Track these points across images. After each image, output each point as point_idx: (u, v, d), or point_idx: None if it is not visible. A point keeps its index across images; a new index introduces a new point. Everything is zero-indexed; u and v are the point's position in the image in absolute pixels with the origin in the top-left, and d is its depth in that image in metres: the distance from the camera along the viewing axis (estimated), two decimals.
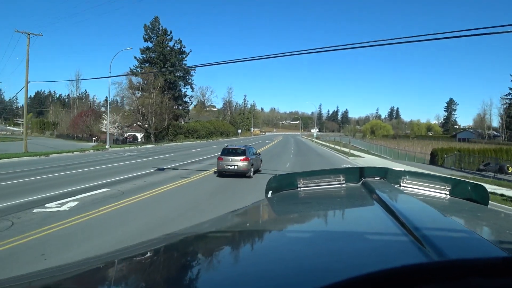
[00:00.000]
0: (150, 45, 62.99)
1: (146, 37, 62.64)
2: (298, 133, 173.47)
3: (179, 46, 65.65)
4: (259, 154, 20.07)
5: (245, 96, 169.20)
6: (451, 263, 0.62)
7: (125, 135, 59.25)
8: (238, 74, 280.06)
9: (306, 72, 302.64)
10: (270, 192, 1.96)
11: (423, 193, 1.72)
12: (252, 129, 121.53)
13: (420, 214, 1.13)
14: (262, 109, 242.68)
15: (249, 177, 16.44)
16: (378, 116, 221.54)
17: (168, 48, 63.42)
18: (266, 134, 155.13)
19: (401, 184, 1.81)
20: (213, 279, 0.79)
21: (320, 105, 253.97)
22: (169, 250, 1.13)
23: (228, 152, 16.84)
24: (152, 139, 55.04)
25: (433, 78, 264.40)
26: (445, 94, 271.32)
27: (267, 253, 0.94)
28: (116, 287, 0.83)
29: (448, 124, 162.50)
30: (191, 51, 68.02)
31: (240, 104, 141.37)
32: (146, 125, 55.37)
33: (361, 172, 1.94)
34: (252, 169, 16.78)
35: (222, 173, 16.59)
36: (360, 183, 1.82)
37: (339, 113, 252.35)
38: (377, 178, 1.86)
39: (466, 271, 0.56)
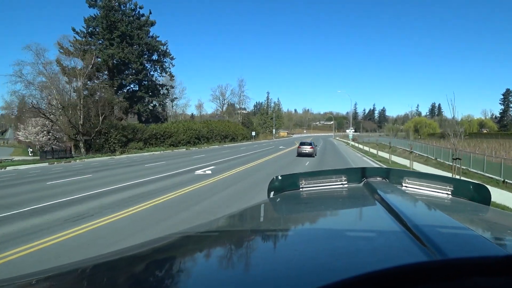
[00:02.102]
0: (99, 13, 39.44)
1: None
2: (331, 134, 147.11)
3: (134, 8, 41.05)
4: (316, 145, 33.54)
5: (268, 93, 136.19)
6: (453, 262, 0.59)
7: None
8: (266, 74, 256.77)
9: (340, 70, 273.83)
10: (272, 193, 1.89)
11: (425, 193, 1.66)
12: (274, 131, 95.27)
13: (422, 213, 1.12)
14: (295, 110, 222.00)
15: (313, 156, 28.23)
16: (418, 114, 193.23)
17: (116, 12, 39.16)
18: (294, 136, 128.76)
19: (403, 184, 1.75)
20: (214, 279, 0.75)
21: (355, 104, 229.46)
22: (170, 250, 1.09)
23: (303, 144, 29.69)
24: (82, 149, 31.76)
25: (479, 70, 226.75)
26: (493, 86, 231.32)
27: (268, 253, 0.91)
28: (116, 286, 0.79)
29: (504, 119, 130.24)
30: (150, 13, 42.72)
31: (263, 103, 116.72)
32: (72, 128, 31.98)
33: (363, 173, 1.88)
34: (314, 152, 29.04)
35: (300, 154, 28.65)
36: (362, 183, 1.76)
37: (376, 112, 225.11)
38: (379, 178, 1.81)
39: (468, 270, 0.53)
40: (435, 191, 1.67)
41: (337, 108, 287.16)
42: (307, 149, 28.71)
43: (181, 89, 79.99)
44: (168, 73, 47.15)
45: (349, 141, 63.82)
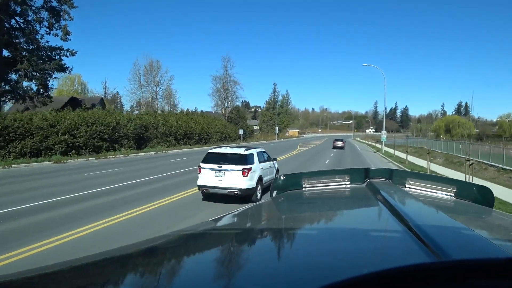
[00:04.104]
0: None
1: None
2: (349, 134, 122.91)
3: None
4: (345, 141, 41.85)
5: (274, 85, 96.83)
6: (455, 263, 0.56)
7: None
8: (281, 70, 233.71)
9: (359, 67, 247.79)
10: (275, 192, 1.82)
11: (428, 194, 1.60)
12: (278, 129, 71.72)
13: (425, 215, 1.09)
14: (313, 109, 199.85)
15: (343, 149, 36.09)
16: (443, 113, 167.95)
17: None
18: (305, 136, 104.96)
19: (406, 186, 1.68)
20: (217, 277, 0.73)
21: (376, 102, 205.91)
22: (175, 248, 1.05)
23: (336, 140, 38.82)
24: None
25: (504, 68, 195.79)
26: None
27: (271, 252, 0.88)
28: (117, 284, 0.76)
29: None
30: None
31: (269, 97, 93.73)
32: None
33: (366, 173, 1.80)
34: (344, 146, 37.79)
35: (335, 147, 36.75)
36: (365, 184, 1.69)
37: (398, 111, 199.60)
38: (382, 179, 1.74)
39: (470, 272, 0.51)
40: (439, 193, 1.60)
41: (356, 107, 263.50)
42: (339, 144, 37.78)
43: (168, 78, 58.56)
44: (62, 28, 25.26)
45: (378, 145, 41.15)
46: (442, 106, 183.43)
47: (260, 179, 9.21)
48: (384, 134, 31.48)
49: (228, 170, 8.56)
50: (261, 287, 0.62)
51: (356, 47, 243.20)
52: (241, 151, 9.08)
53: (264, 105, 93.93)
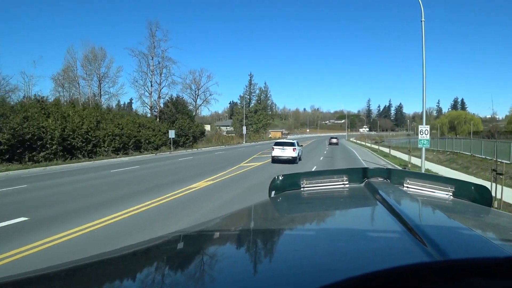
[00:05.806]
0: None
1: None
2: (343, 134, 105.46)
3: None
4: (338, 138, 56.96)
5: (250, 76, 76.62)
6: (454, 263, 0.55)
7: None
8: (272, 70, 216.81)
9: (351, 66, 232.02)
10: (273, 192, 1.78)
11: (426, 193, 1.58)
12: (245, 129, 53.78)
13: (423, 214, 1.08)
14: (304, 109, 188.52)
15: (337, 145, 48.07)
16: (439, 110, 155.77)
17: None
18: (290, 137, 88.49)
19: (405, 185, 1.66)
20: (215, 278, 0.71)
21: (369, 100, 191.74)
22: (172, 249, 1.02)
23: (332, 138, 51.21)
24: None
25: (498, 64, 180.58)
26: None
27: (269, 252, 0.87)
28: (115, 285, 0.75)
29: None
30: None
31: (244, 90, 75.91)
32: None
33: (364, 173, 1.80)
34: (338, 142, 50.60)
35: (330, 144, 47.81)
36: (363, 183, 1.68)
37: (392, 109, 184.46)
38: (380, 178, 1.72)
39: (469, 271, 0.50)
40: (437, 192, 1.57)
41: (348, 107, 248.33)
42: (334, 141, 49.04)
43: (115, 70, 42.59)
44: None
45: (396, 152, 23.91)
46: (438, 102, 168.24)
47: (298, 153, 19.59)
48: (425, 134, 13.35)
49: (286, 149, 18.99)
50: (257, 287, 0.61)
51: (351, 44, 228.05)
52: (291, 140, 20.65)
53: (238, 101, 75.93)
